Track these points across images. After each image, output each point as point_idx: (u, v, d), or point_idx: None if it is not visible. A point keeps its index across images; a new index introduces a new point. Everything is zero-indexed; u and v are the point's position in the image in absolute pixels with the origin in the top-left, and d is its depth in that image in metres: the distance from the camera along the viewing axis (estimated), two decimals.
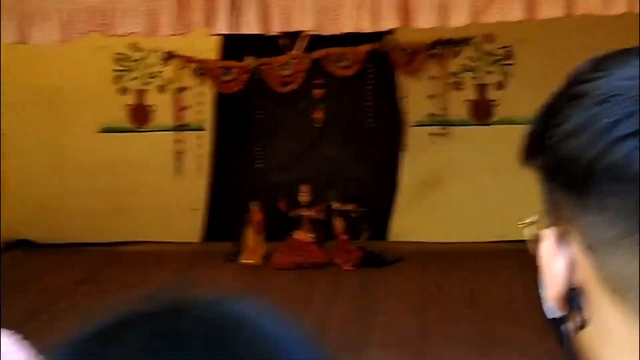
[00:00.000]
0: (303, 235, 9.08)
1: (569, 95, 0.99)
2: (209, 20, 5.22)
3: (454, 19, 5.24)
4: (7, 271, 8.63)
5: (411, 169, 9.48)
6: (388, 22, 5.20)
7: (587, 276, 0.98)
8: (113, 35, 5.52)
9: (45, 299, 8.13)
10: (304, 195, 9.13)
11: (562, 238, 1.00)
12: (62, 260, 9.29)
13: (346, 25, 5.17)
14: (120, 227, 9.65)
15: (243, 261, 9.05)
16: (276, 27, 5.24)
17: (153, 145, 9.64)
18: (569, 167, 0.96)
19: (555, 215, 1.01)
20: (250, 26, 5.24)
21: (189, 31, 5.30)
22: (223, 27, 5.21)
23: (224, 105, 9.55)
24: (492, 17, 5.26)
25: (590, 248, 0.97)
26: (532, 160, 1.02)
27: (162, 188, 9.59)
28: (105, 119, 9.66)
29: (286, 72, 9.36)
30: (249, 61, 9.31)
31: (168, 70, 9.54)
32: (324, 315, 7.53)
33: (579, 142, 0.95)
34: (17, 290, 8.13)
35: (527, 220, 1.06)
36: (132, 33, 5.38)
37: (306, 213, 9.12)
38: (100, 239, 9.63)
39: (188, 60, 9.42)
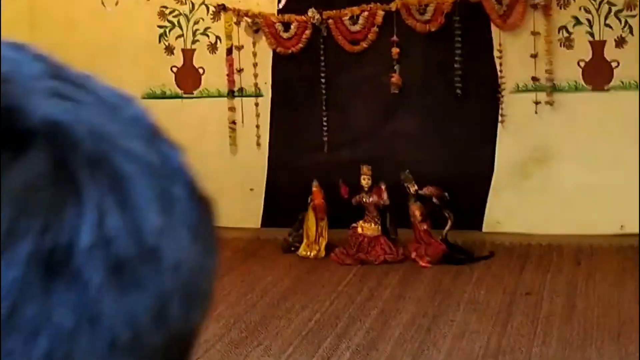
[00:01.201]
0: (367, 227, 7.53)
1: None
2: None
3: None
4: None
5: (509, 146, 7.73)
6: None
7: None
8: None
9: None
10: (365, 178, 7.58)
11: None
12: None
13: None
14: None
15: (302, 253, 7.60)
16: None
17: (204, 114, 8.26)
18: None
19: None
20: None
21: None
22: None
23: (284, 68, 8.07)
24: None
25: None
26: None
27: (215, 164, 8.14)
28: (149, 83, 8.31)
29: (356, 28, 7.80)
30: (312, 14, 7.77)
31: (219, 26, 8.11)
32: (387, 319, 6.15)
33: None
34: None
35: None
36: None
37: (368, 200, 7.56)
38: None
39: (242, 13, 7.95)
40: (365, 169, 7.55)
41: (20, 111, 0.55)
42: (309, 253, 7.56)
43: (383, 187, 7.47)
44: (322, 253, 7.54)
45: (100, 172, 0.56)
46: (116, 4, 8.09)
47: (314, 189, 7.61)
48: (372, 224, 7.50)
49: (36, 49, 0.62)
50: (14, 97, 0.55)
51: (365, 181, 7.56)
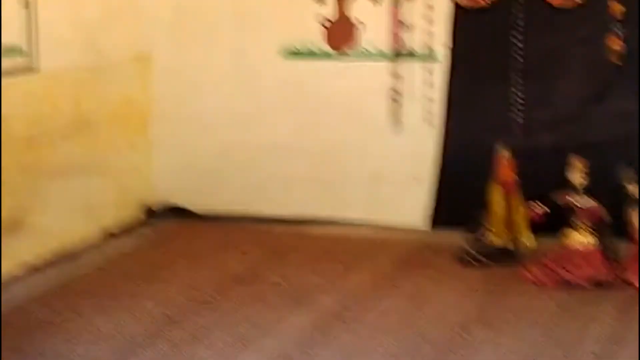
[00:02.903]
0: (578, 238, 6.00)
1: None
2: None
3: None
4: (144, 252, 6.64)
5: None
6: None
7: None
8: None
9: (184, 305, 5.61)
10: (578, 175, 6.08)
11: None
12: (223, 241, 6.87)
13: None
14: (309, 198, 7.23)
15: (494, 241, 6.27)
16: None
17: (360, 81, 7.06)
18: None
19: None
20: None
21: None
22: None
23: (469, 26, 6.81)
24: None
25: None
26: None
27: (371, 145, 7.07)
28: (292, 38, 7.17)
29: None
30: None
31: None
32: None
33: None
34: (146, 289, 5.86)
35: None
36: None
37: (581, 205, 6.06)
38: (279, 213, 7.24)
39: None
40: (579, 163, 5.99)
41: None
42: (500, 242, 6.22)
43: (599, 209, 6.01)
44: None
45: None
46: None
47: (501, 159, 6.18)
48: (586, 235, 5.99)
49: None
50: None
51: (578, 179, 5.99)
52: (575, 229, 6.03)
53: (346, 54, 7.05)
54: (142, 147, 7.30)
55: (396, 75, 6.91)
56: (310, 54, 7.11)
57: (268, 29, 7.08)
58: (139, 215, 7.26)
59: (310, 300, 5.59)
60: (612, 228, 6.06)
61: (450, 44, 6.85)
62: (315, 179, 7.17)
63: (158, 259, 6.38)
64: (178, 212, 7.39)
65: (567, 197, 6.09)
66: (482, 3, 6.65)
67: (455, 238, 6.53)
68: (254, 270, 6.14)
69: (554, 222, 6.13)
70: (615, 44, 6.42)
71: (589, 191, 6.08)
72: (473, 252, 6.26)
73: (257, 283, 5.92)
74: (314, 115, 7.11)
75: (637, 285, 5.75)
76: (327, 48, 7.08)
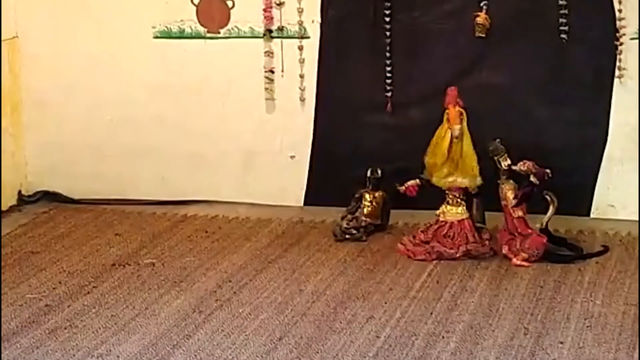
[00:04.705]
0: (449, 211, 6.09)
1: None
2: None
3: None
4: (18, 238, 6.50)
5: (628, 106, 6.42)
6: None
7: None
8: None
9: (59, 290, 5.54)
10: None
11: None
12: (97, 225, 6.78)
13: None
14: (184, 178, 7.16)
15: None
16: None
17: (233, 60, 6.97)
18: None
19: None
20: None
21: None
22: None
23: (336, 1, 6.78)
24: None
25: None
26: None
27: (245, 123, 6.99)
28: (164, 19, 7.04)
29: None
30: None
31: None
32: (476, 337, 4.82)
33: None
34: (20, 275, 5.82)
35: None
36: None
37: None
38: (154, 194, 7.18)
39: None
40: None
41: None
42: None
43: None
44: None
45: None
46: None
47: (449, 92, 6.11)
48: (457, 207, 6.07)
49: None
50: None
51: None
52: (447, 201, 6.09)
53: (218, 33, 6.94)
54: (13, 131, 7.11)
55: (268, 53, 6.85)
56: (182, 34, 6.99)
57: (139, 9, 6.93)
58: (12, 201, 7.09)
59: (187, 281, 5.57)
60: (481, 199, 6.12)
61: (320, 20, 6.78)
62: (189, 159, 7.09)
63: (32, 245, 6.26)
64: (51, 197, 7.23)
65: None
66: None
67: (330, 214, 6.57)
68: (129, 253, 6.08)
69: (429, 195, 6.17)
70: (481, 18, 6.42)
71: None
72: (346, 226, 6.28)
73: (133, 266, 5.86)
74: (188, 95, 7.00)
75: (514, 261, 5.81)
76: (199, 27, 6.96)
